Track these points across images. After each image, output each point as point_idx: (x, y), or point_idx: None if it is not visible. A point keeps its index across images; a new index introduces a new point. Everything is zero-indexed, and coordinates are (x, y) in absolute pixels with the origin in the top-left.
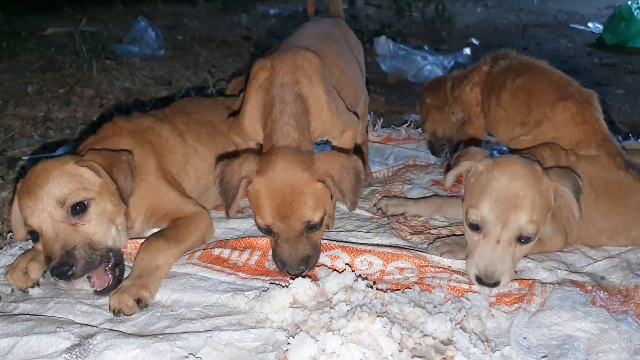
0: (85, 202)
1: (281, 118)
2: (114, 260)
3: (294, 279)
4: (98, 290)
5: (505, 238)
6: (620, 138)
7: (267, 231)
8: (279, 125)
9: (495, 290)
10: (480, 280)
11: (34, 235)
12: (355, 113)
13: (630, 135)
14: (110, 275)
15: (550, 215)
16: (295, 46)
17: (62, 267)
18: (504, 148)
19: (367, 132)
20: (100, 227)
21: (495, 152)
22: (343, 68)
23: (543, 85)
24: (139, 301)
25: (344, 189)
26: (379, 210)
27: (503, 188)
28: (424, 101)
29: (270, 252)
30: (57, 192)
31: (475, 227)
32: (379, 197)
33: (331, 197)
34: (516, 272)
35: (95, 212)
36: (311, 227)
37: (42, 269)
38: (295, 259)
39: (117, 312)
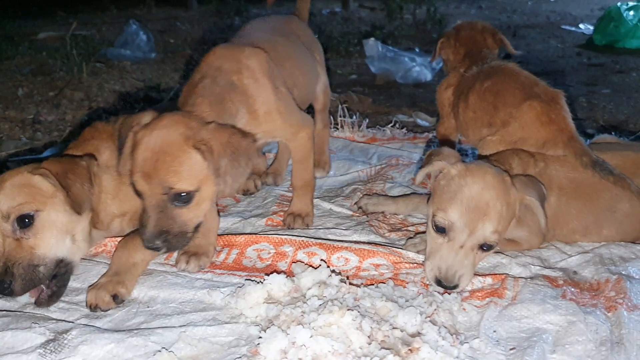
0: (32, 214)
1: (201, 92)
2: (55, 272)
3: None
4: (33, 301)
5: (470, 245)
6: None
7: (135, 191)
8: (193, 97)
9: (453, 294)
10: (439, 283)
11: None
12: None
13: (612, 132)
14: (43, 287)
15: (517, 221)
16: (245, 41)
17: (1, 284)
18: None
19: (330, 124)
20: (47, 241)
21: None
22: (295, 62)
23: (509, 86)
24: (115, 297)
25: (221, 166)
26: (359, 209)
27: (474, 196)
28: None
29: (248, 249)
30: (3, 205)
31: (441, 230)
32: (360, 196)
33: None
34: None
35: (43, 224)
36: (176, 198)
37: None
38: (151, 229)
39: (93, 308)
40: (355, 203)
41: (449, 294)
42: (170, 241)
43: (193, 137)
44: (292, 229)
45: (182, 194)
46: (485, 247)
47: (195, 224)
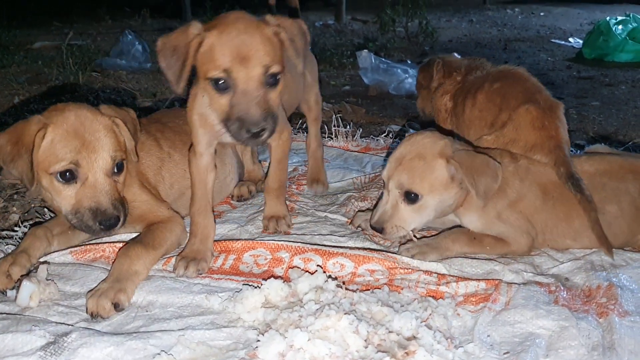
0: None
1: None
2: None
3: (253, 137)
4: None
5: (393, 191)
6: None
7: (224, 85)
8: None
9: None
10: (371, 225)
11: (68, 176)
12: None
13: (602, 143)
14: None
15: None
16: None
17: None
18: None
19: (325, 134)
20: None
21: None
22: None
23: (515, 90)
24: (116, 305)
25: (297, 47)
26: (358, 228)
27: (400, 150)
28: (417, 78)
29: (245, 255)
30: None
31: (383, 183)
32: (354, 202)
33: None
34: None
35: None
36: (270, 78)
37: (23, 271)
38: (258, 111)
39: (94, 315)
40: (352, 222)
41: (426, 273)
42: (271, 122)
43: (270, 26)
44: (277, 232)
45: (276, 74)
46: (410, 197)
47: (276, 107)
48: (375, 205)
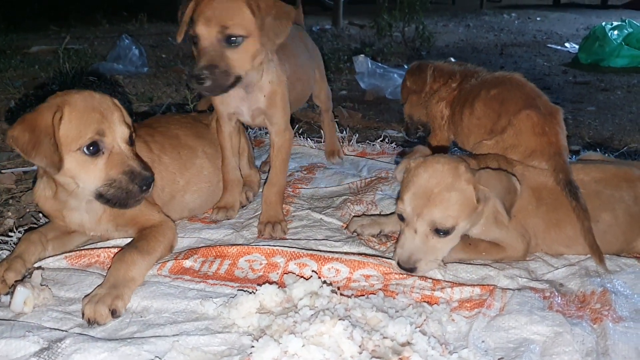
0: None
1: None
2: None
3: (195, 80)
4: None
5: (421, 229)
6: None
7: (196, 41)
8: None
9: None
10: (399, 264)
11: (94, 149)
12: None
13: (597, 149)
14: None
15: (495, 221)
16: None
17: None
18: None
19: (322, 139)
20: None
21: None
22: (299, 60)
23: (514, 95)
24: (113, 312)
25: (266, 22)
26: (354, 233)
27: (421, 184)
28: (405, 83)
29: (240, 260)
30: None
31: (401, 219)
32: (350, 206)
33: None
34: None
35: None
36: (230, 38)
37: (17, 277)
38: (203, 62)
39: (91, 322)
40: (347, 227)
41: (421, 279)
42: (217, 75)
43: None
44: (272, 237)
45: (235, 36)
46: (440, 232)
47: (238, 71)
48: (396, 241)
